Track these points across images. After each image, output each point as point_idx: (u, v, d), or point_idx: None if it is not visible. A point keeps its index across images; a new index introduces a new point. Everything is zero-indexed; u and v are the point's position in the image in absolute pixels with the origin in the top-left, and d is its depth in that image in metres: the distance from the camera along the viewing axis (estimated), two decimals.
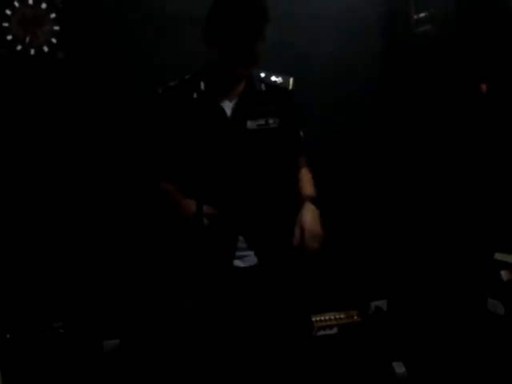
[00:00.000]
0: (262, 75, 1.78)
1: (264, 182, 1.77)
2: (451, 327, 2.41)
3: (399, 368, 2.57)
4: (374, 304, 2.84)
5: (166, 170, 1.83)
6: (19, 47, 2.26)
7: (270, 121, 1.75)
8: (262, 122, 1.73)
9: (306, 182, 1.79)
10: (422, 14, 2.60)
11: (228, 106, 1.72)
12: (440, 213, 2.50)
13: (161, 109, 1.78)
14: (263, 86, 1.77)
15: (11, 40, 2.24)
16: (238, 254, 1.74)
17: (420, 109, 2.66)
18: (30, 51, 2.27)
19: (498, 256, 2.15)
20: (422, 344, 2.58)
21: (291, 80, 1.82)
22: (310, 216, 1.61)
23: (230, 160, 1.73)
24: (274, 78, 1.79)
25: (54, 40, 2.31)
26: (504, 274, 2.10)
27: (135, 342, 2.41)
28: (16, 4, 2.24)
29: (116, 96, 2.42)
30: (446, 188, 2.47)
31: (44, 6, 2.27)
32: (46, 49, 2.30)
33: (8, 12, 2.21)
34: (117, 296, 2.50)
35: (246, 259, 1.76)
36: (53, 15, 2.29)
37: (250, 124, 1.72)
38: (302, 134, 1.89)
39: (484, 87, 2.38)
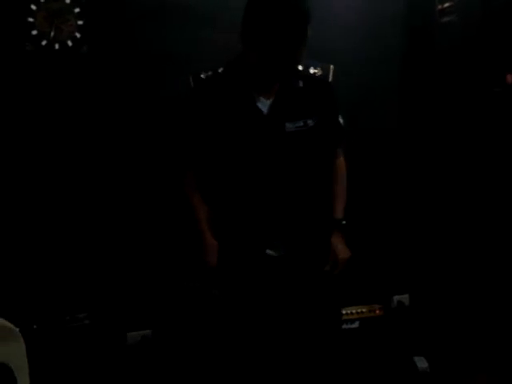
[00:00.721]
0: (300, 68, 1.68)
1: (299, 181, 1.75)
2: (474, 322, 2.38)
3: (421, 363, 2.55)
4: (396, 298, 2.83)
5: (195, 162, 1.81)
6: (44, 42, 2.28)
7: (309, 121, 1.68)
8: (301, 123, 1.67)
9: (339, 197, 1.84)
10: (446, 4, 2.56)
11: (265, 105, 1.65)
12: (464, 208, 2.46)
13: (195, 102, 1.72)
14: (301, 83, 1.67)
15: (36, 35, 2.26)
16: (271, 243, 1.76)
17: (445, 102, 2.62)
18: (54, 46, 2.29)
19: None
20: (444, 339, 2.56)
21: (331, 69, 1.74)
22: (340, 246, 1.85)
23: (267, 162, 1.69)
24: (312, 70, 1.70)
25: (77, 35, 2.32)
26: None
27: (162, 333, 2.44)
28: None
29: (139, 90, 2.43)
30: (473, 183, 2.43)
31: (68, 0, 2.28)
32: (70, 43, 2.31)
33: (33, 7, 2.23)
34: (142, 287, 2.52)
35: (276, 249, 1.77)
36: (77, 10, 2.30)
37: (289, 126, 1.66)
38: (341, 121, 1.84)
39: (510, 77, 2.35)
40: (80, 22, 2.32)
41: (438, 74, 2.65)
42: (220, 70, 1.70)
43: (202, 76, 1.70)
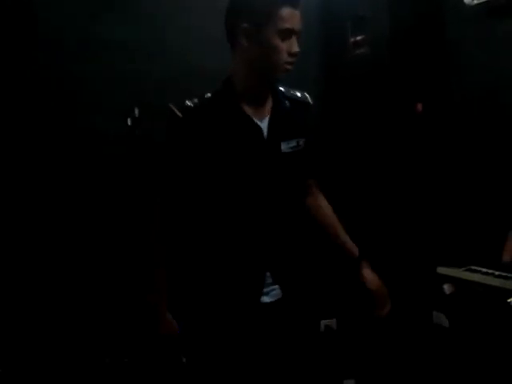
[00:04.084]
0: (282, 90, 1.64)
1: (291, 210, 1.64)
2: (399, 341, 2.45)
3: None
4: (323, 323, 2.85)
5: (172, 207, 1.60)
6: None
7: (300, 142, 1.62)
8: (294, 143, 1.60)
9: (341, 229, 1.77)
10: (358, 37, 2.68)
11: (262, 126, 1.56)
12: (383, 231, 2.55)
13: (183, 133, 1.54)
14: (287, 103, 1.62)
15: None
16: (265, 289, 1.58)
17: (358, 129, 2.72)
18: None
19: (441, 270, 2.21)
20: (372, 360, 2.60)
21: (307, 94, 1.71)
22: (376, 281, 1.73)
23: (265, 185, 1.57)
24: (292, 92, 1.66)
25: None
26: (447, 287, 2.16)
27: None
28: None
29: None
30: (387, 205, 2.53)
31: None
32: None
33: None
34: None
35: (271, 294, 1.60)
36: None
37: (284, 146, 1.58)
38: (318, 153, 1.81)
39: (420, 106, 2.48)
40: None
41: (352, 103, 2.76)
42: (207, 96, 1.57)
43: (188, 104, 1.55)
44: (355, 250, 1.76)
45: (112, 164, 2.55)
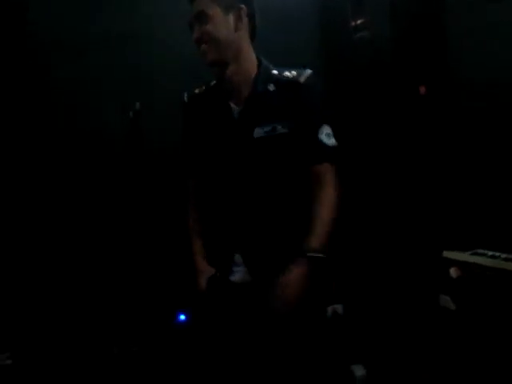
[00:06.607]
0: (274, 72, 1.62)
1: (268, 196, 1.59)
2: (407, 325, 2.45)
3: (359, 371, 2.59)
4: (330, 308, 2.86)
5: (194, 170, 1.78)
6: None
7: (278, 126, 1.56)
8: (269, 128, 1.56)
9: (315, 220, 1.53)
10: (359, 21, 2.65)
11: (237, 112, 1.61)
12: (389, 215, 2.54)
13: (187, 116, 1.74)
14: (272, 86, 1.59)
15: None
16: (234, 269, 1.61)
17: (363, 113, 2.71)
18: None
19: (447, 254, 2.20)
20: (380, 345, 2.61)
21: (307, 72, 1.60)
22: (291, 281, 1.50)
23: (237, 170, 1.60)
24: (286, 74, 1.60)
25: None
26: (453, 271, 2.16)
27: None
28: None
29: None
30: (392, 189, 2.52)
31: None
32: None
33: None
34: None
35: (238, 275, 1.62)
36: None
37: (257, 131, 1.57)
38: (323, 135, 1.58)
39: (423, 89, 2.46)
40: None
41: (354, 88, 2.74)
42: (212, 83, 1.71)
43: (196, 91, 1.74)
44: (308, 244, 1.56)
45: (111, 161, 2.58)
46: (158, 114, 2.50)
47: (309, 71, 1.62)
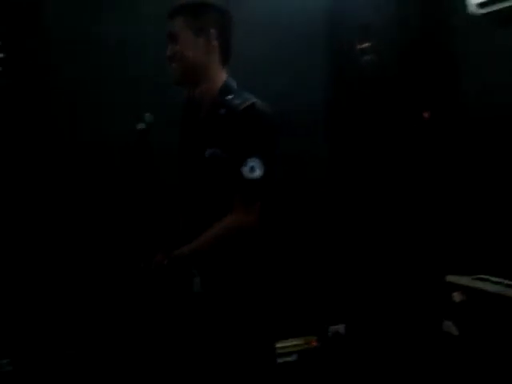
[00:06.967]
0: (228, 97, 1.63)
1: (211, 213, 1.64)
2: (409, 349, 2.46)
3: None
4: (332, 328, 2.86)
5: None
6: None
7: (217, 150, 1.61)
8: (212, 151, 1.63)
9: (203, 234, 1.61)
10: (365, 44, 2.69)
11: (195, 130, 1.72)
12: (393, 238, 2.56)
13: (181, 118, 1.81)
14: (223, 111, 1.62)
15: None
16: (194, 279, 1.67)
17: (366, 137, 2.73)
18: None
19: (450, 278, 2.22)
20: (381, 366, 2.61)
21: (249, 101, 1.59)
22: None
23: (188, 186, 1.73)
24: (235, 101, 1.61)
25: None
26: (456, 295, 2.17)
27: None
28: None
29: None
30: (396, 212, 2.54)
31: None
32: None
33: None
34: None
35: (196, 285, 1.67)
36: None
37: (208, 151, 1.63)
38: (246, 168, 1.58)
39: (427, 114, 2.49)
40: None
41: (359, 111, 2.76)
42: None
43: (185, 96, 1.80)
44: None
45: (114, 162, 2.55)
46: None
47: (253, 100, 1.60)
